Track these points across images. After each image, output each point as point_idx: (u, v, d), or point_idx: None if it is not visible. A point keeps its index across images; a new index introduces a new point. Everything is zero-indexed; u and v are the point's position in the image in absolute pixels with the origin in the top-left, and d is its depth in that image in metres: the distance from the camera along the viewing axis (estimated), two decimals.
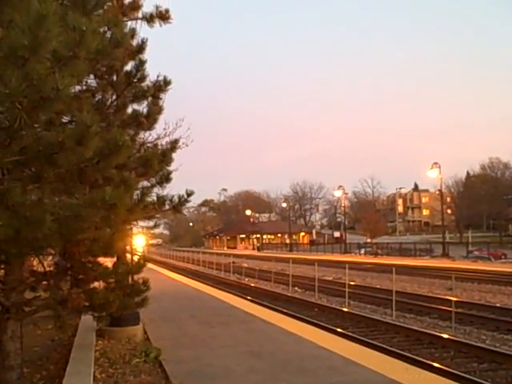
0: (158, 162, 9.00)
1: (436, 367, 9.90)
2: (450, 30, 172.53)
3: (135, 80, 7.33)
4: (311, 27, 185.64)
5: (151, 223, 10.61)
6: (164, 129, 15.05)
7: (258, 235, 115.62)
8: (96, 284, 9.06)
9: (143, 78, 7.61)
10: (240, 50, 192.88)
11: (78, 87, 7.01)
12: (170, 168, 13.39)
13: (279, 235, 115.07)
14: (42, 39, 4.54)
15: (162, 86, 8.59)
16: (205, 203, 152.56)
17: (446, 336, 13.42)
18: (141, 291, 9.41)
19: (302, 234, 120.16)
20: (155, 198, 9.87)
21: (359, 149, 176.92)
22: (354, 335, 13.52)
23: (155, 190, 10.25)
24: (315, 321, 15.87)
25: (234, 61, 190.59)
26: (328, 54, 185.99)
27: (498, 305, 19.46)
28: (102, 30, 6.82)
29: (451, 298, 16.02)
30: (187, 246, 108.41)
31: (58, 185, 7.20)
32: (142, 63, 7.41)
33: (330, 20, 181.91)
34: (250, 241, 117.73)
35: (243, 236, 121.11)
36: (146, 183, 9.90)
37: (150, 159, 8.59)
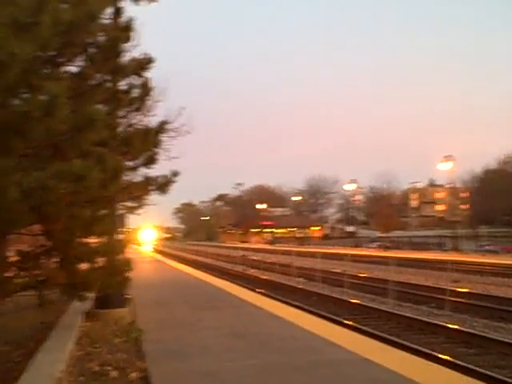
0: (141, 141, 9.02)
1: (415, 349, 9.86)
2: (464, 23, 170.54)
3: (111, 55, 7.32)
4: (324, 16, 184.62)
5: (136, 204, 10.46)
6: (165, 116, 15.16)
7: (271, 229, 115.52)
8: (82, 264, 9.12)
9: (119, 54, 7.61)
10: (253, 39, 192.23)
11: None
12: (174, 155, 13.55)
13: (292, 229, 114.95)
14: None
15: (144, 63, 8.61)
16: (219, 197, 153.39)
17: (436, 322, 13.36)
18: (123, 271, 9.47)
19: (315, 228, 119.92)
20: (141, 179, 9.96)
21: (375, 144, 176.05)
22: (339, 319, 13.52)
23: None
24: (308, 307, 15.87)
25: (249, 50, 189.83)
26: (343, 42, 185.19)
27: (495, 294, 19.37)
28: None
29: (446, 288, 15.93)
30: (201, 240, 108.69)
31: (32, 158, 7.27)
32: (117, 39, 7.40)
33: (342, 9, 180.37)
34: (263, 235, 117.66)
35: (256, 230, 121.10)
36: (131, 164, 10.01)
37: (131, 137, 8.61)
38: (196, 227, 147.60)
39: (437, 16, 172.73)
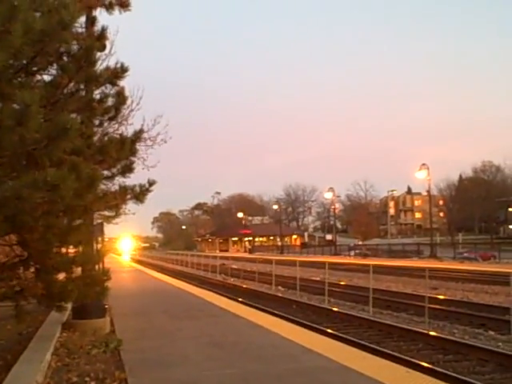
0: (116, 150, 8.96)
1: (396, 356, 9.89)
2: (440, 31, 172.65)
3: (84, 64, 7.26)
4: (313, 31, 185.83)
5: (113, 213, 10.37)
6: (142, 124, 15.14)
7: (250, 238, 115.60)
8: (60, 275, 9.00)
9: (93, 63, 7.56)
10: (239, 47, 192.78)
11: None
12: (150, 164, 13.51)
13: (271, 238, 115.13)
14: None
15: (118, 72, 8.57)
16: (198, 206, 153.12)
17: (416, 329, 13.42)
18: (101, 281, 9.38)
19: (295, 236, 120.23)
20: (117, 188, 9.88)
21: (352, 153, 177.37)
22: (319, 327, 13.52)
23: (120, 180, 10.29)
24: (287, 315, 15.85)
25: (232, 60, 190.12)
26: (320, 56, 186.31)
27: (474, 301, 19.52)
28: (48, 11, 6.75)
29: (425, 295, 16.02)
30: (180, 249, 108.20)
31: (6, 168, 7.17)
32: (90, 48, 7.35)
33: (329, 21, 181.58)
34: (243, 243, 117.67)
35: (235, 239, 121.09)
36: (107, 173, 9.92)
37: (107, 146, 8.54)
38: (175, 236, 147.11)
39: (415, 29, 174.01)
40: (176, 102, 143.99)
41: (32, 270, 8.94)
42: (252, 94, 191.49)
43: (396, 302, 19.42)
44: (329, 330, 13.15)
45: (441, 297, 20.30)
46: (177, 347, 9.41)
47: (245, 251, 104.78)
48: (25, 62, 7.14)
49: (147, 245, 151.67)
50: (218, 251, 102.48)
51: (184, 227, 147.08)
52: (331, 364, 7.84)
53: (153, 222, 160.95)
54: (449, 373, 9.18)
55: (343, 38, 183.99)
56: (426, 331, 13.19)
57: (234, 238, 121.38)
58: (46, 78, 7.82)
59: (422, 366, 9.26)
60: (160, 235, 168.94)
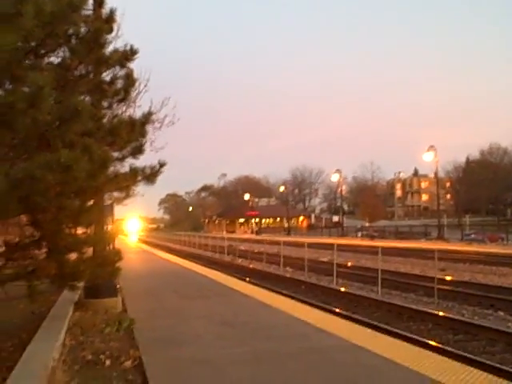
0: (127, 131, 8.97)
1: (405, 336, 9.93)
2: (449, 17, 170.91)
3: (94, 46, 7.25)
4: (317, 12, 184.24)
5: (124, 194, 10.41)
6: (149, 107, 15.14)
7: (257, 219, 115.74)
8: (73, 255, 9.08)
9: (103, 45, 7.54)
10: (239, 36, 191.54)
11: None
12: (158, 146, 13.52)
13: (278, 219, 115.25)
14: None
15: (128, 54, 8.55)
16: (204, 188, 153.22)
17: (425, 310, 13.46)
18: (113, 261, 9.45)
19: (301, 218, 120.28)
20: (128, 169, 9.89)
21: (360, 134, 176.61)
22: (329, 307, 13.59)
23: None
24: (297, 296, 15.92)
25: (236, 46, 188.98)
26: (327, 38, 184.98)
27: (483, 282, 19.53)
28: None
29: (434, 276, 16.04)
30: (187, 231, 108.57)
31: (20, 149, 7.20)
32: (100, 30, 7.32)
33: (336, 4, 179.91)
34: (249, 225, 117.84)
35: (242, 220, 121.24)
36: (117, 155, 9.95)
37: (117, 128, 8.55)
38: (182, 218, 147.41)
39: (424, 15, 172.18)
40: (182, 84, 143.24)
41: (44, 250, 9.03)
42: (260, 76, 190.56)
43: (404, 283, 19.42)
44: (339, 310, 13.18)
45: (449, 278, 20.31)
46: (188, 326, 9.48)
47: (252, 232, 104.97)
48: (34, 44, 7.14)
49: (154, 226, 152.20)
50: (224, 232, 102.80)
51: (191, 209, 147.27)
52: (343, 343, 7.89)
53: (160, 204, 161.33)
54: (460, 352, 9.23)
55: (355, 20, 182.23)
56: (435, 312, 13.22)
57: (240, 220, 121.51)
58: (54, 60, 7.82)
59: (433, 346, 9.30)
60: (167, 217, 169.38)
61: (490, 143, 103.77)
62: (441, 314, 12.99)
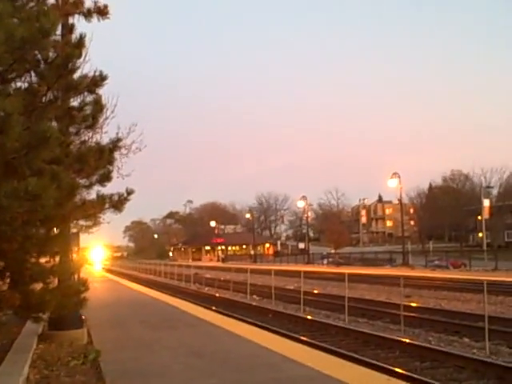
0: (95, 159, 8.90)
1: (374, 364, 9.94)
2: (403, 42, 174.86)
3: (64, 71, 7.22)
4: (279, 33, 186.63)
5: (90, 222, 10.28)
6: (116, 133, 15.02)
7: (223, 247, 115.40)
8: (36, 285, 8.89)
9: (73, 71, 7.51)
10: (207, 57, 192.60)
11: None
12: (125, 173, 13.42)
13: (244, 247, 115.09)
14: None
15: (97, 80, 8.53)
16: (170, 215, 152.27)
17: (392, 337, 13.53)
18: (79, 292, 9.28)
19: (267, 245, 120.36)
20: (95, 197, 9.81)
21: (324, 161, 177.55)
22: (297, 336, 13.56)
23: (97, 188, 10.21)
24: (264, 324, 15.84)
25: (203, 71, 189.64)
26: (291, 63, 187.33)
27: (447, 308, 19.77)
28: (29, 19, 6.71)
29: (400, 303, 16.17)
30: (152, 259, 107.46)
31: None
32: (70, 55, 7.30)
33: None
34: (215, 252, 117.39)
35: (208, 248, 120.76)
36: (85, 182, 9.85)
37: (86, 155, 8.49)
38: (147, 245, 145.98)
39: (387, 43, 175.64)
40: (148, 110, 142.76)
41: (7, 280, 8.83)
42: (225, 102, 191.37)
43: (371, 310, 19.53)
44: (306, 339, 13.15)
45: (414, 304, 20.49)
46: (156, 357, 9.34)
47: (218, 260, 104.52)
48: (1, 69, 7.08)
49: (119, 254, 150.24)
50: (190, 260, 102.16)
51: (156, 236, 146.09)
52: (312, 372, 7.85)
53: (125, 231, 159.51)
54: (428, 380, 9.27)
55: (322, 46, 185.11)
56: (402, 339, 13.30)
57: (206, 247, 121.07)
58: (21, 85, 7.75)
59: (402, 374, 9.31)
60: (132, 244, 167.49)
61: (451, 169, 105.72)
62: (407, 341, 13.06)
